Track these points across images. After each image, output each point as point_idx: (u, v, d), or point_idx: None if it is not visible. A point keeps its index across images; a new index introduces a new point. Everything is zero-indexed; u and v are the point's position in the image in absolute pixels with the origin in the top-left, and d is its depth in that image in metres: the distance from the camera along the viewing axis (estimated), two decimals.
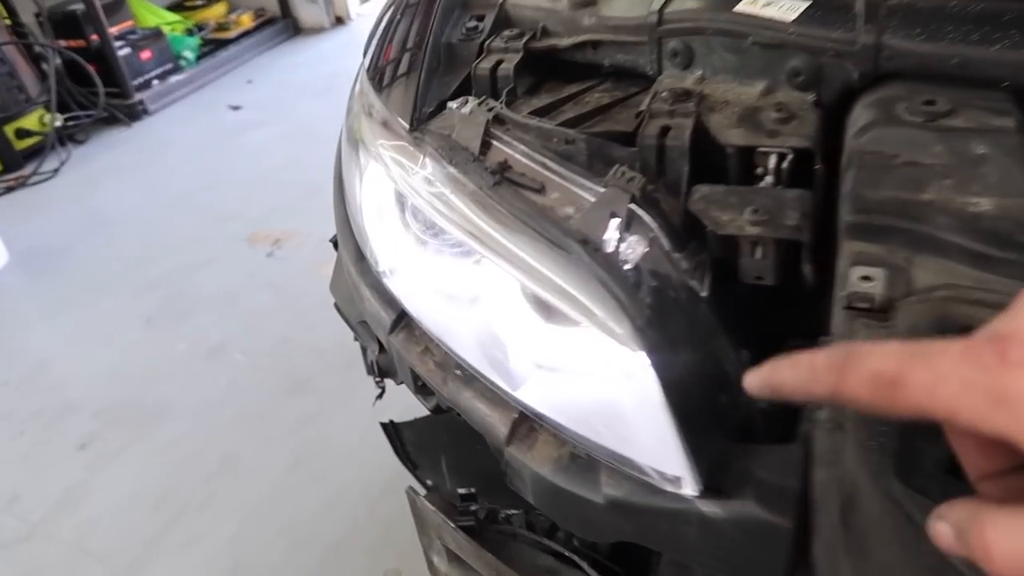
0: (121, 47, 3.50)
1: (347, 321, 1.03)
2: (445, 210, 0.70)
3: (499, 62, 0.81)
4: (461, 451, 1.21)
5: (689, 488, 0.56)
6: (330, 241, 1.15)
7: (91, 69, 3.39)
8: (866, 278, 0.50)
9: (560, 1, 0.84)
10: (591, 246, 0.60)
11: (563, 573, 0.79)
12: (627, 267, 0.59)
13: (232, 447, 1.73)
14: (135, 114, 3.55)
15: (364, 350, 1.18)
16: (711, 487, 0.56)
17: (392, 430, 1.23)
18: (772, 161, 0.62)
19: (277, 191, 2.80)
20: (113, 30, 3.48)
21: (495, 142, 0.72)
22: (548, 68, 0.83)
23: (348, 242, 0.95)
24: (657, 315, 0.57)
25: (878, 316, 0.49)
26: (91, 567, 1.51)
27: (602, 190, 0.63)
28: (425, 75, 0.81)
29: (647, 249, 0.60)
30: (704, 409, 0.58)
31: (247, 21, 4.26)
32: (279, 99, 3.62)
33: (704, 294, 0.59)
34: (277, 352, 2.01)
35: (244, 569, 1.45)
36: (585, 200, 0.64)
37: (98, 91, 3.41)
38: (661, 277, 0.59)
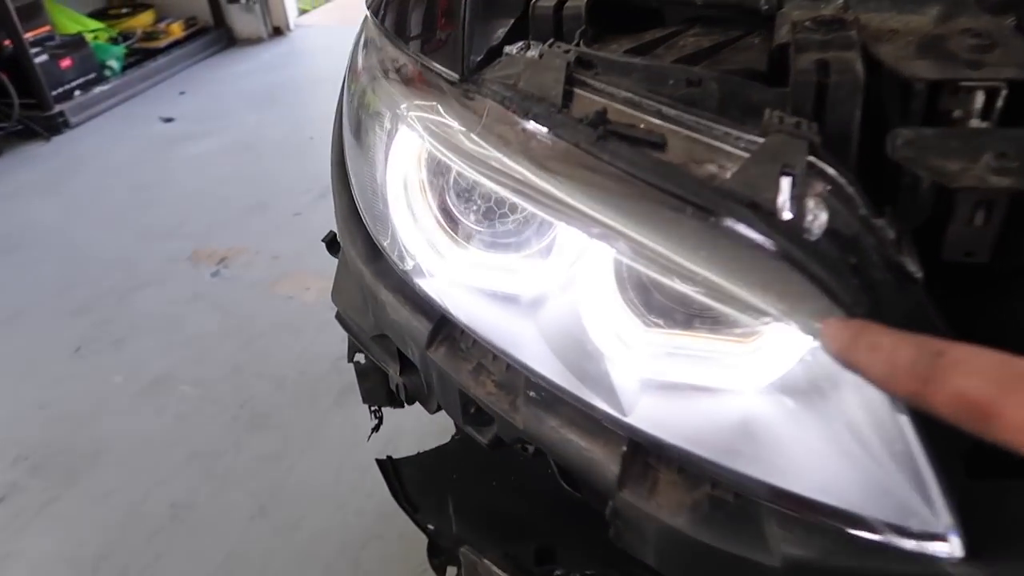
0: (38, 54, 3.19)
1: (355, 336, 0.84)
2: (522, 177, 0.52)
3: (562, 1, 0.64)
4: (475, 489, 1.03)
5: (947, 548, 0.39)
6: (323, 241, 0.96)
7: (2, 77, 3.08)
8: None
9: None
10: (763, 211, 0.43)
11: None
12: (812, 239, 0.43)
13: (183, 495, 1.49)
14: (54, 127, 3.24)
15: (361, 374, 0.98)
16: (978, 546, 0.39)
17: (390, 468, 1.03)
18: (979, 99, 0.47)
19: (220, 206, 2.56)
20: (28, 35, 3.18)
21: (580, 90, 0.55)
22: (616, 12, 0.67)
23: (357, 239, 0.76)
24: (873, 304, 0.41)
25: None
26: None
27: (760, 139, 0.46)
28: (470, 14, 0.63)
29: (836, 215, 0.44)
30: (944, 433, 0.41)
31: (177, 31, 3.99)
32: (216, 110, 3.37)
33: (919, 275, 0.43)
34: (230, 382, 1.78)
35: None
36: (731, 155, 0.47)
37: (12, 102, 3.10)
38: (862, 253, 0.43)
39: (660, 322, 0.56)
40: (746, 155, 0.46)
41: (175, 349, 1.90)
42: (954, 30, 0.51)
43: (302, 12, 4.61)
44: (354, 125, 0.77)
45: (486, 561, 0.71)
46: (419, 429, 1.53)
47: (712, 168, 0.47)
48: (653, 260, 0.46)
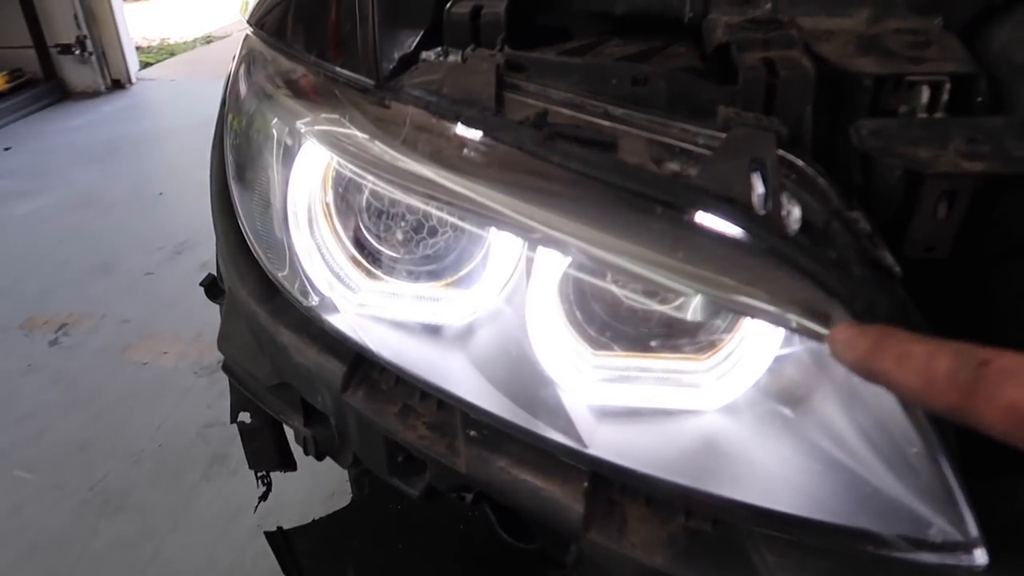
0: None
1: (247, 388, 0.73)
2: (458, 190, 0.47)
3: (477, 8, 0.60)
4: (377, 555, 0.94)
5: (973, 557, 0.36)
6: (201, 285, 0.85)
7: None
8: None
9: None
10: (740, 206, 0.40)
11: None
12: (791, 234, 0.40)
13: None
14: None
15: (247, 435, 0.87)
16: (998, 551, 0.36)
17: (281, 540, 0.92)
18: (924, 93, 0.47)
19: (56, 269, 2.31)
20: None
21: (513, 94, 0.50)
22: (531, 23, 0.63)
23: (247, 277, 0.67)
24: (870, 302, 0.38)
25: None
26: None
27: (721, 135, 0.43)
28: (379, 17, 0.57)
29: (809, 208, 0.41)
30: (950, 434, 0.38)
31: None
32: (48, 167, 3.08)
33: (897, 270, 0.41)
34: (76, 463, 1.56)
35: None
36: (691, 153, 0.44)
37: None
38: (839, 248, 0.40)
39: (611, 343, 0.52)
40: (707, 152, 0.43)
41: (4, 431, 1.65)
42: (887, 30, 0.51)
43: (144, 65, 4.37)
44: (240, 158, 0.68)
45: None
46: (301, 498, 1.40)
47: (673, 166, 0.44)
48: (620, 268, 0.42)
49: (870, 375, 0.32)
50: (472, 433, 0.52)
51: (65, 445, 1.61)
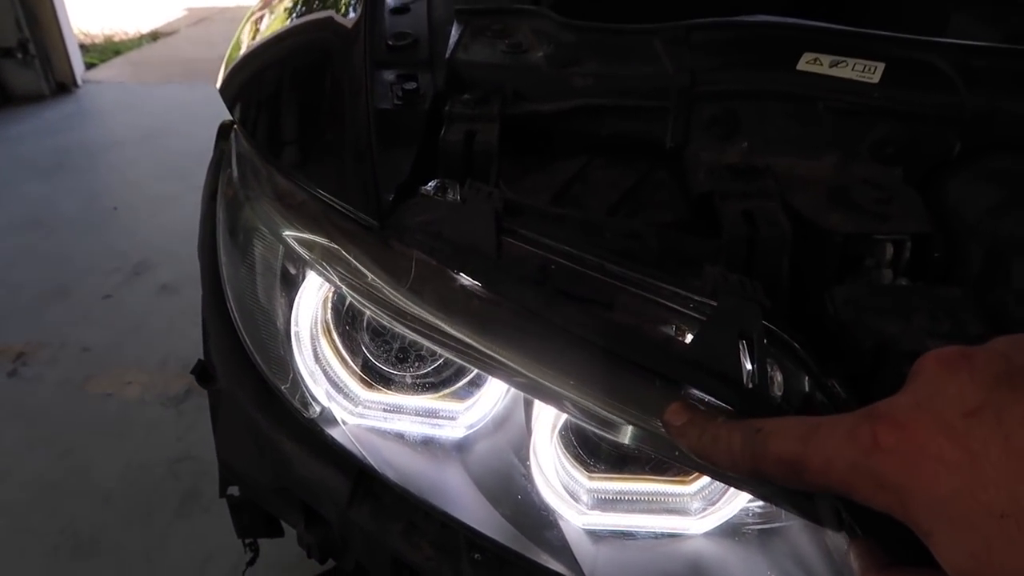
0: None
1: (246, 488, 0.75)
2: (467, 341, 0.50)
3: (471, 133, 0.62)
4: None
5: None
6: (192, 373, 0.85)
7: None
8: None
9: (523, 57, 0.68)
10: (731, 381, 0.44)
11: None
12: (776, 403, 0.44)
13: None
14: None
15: (236, 508, 0.89)
16: None
17: None
18: (888, 250, 0.51)
19: (9, 295, 2.25)
20: None
21: (512, 239, 0.54)
22: (516, 140, 0.67)
23: (245, 382, 0.69)
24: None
25: None
26: None
27: (710, 301, 0.47)
28: (380, 153, 0.60)
29: (791, 376, 0.45)
30: None
31: None
32: None
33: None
34: (43, 505, 1.55)
35: None
36: (683, 315, 0.48)
37: None
38: (817, 413, 0.45)
39: (603, 468, 0.56)
40: (698, 316, 0.47)
41: None
42: (854, 179, 0.55)
43: (89, 66, 4.24)
44: (236, 270, 0.70)
45: None
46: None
47: (667, 330, 0.48)
48: (614, 424, 0.46)
49: (700, 458, 0.38)
50: (476, 556, 0.55)
51: (31, 486, 1.60)
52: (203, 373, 0.87)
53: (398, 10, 0.81)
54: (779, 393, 0.45)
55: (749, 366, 0.44)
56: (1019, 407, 0.27)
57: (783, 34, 0.61)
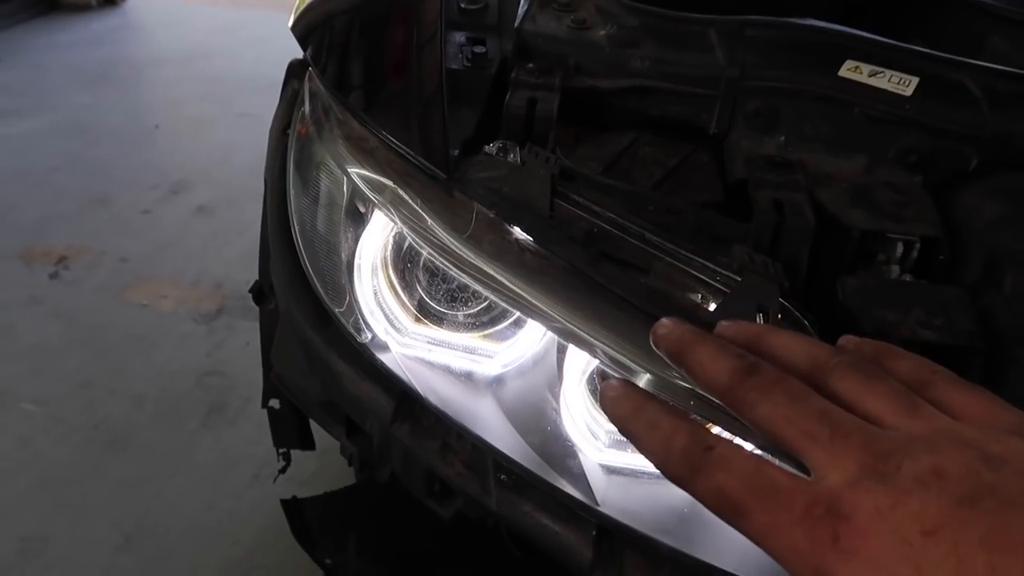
0: None
1: (296, 399, 0.83)
2: (517, 290, 0.57)
3: (532, 100, 0.68)
4: (381, 527, 1.06)
5: None
6: (250, 292, 0.93)
7: None
8: None
9: (587, 33, 0.74)
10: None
11: None
12: None
13: (34, 527, 1.38)
14: None
15: (275, 419, 0.98)
16: None
17: (294, 507, 1.04)
18: (899, 248, 0.58)
19: (52, 198, 2.34)
20: None
21: (564, 203, 0.60)
22: (574, 110, 0.72)
23: (303, 303, 0.76)
24: None
25: None
26: None
27: (735, 276, 0.54)
28: (449, 110, 0.66)
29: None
30: None
31: None
32: (39, 85, 3.06)
33: None
34: (79, 400, 1.65)
35: None
36: (711, 287, 0.54)
37: None
38: None
39: None
40: (724, 289, 0.54)
41: (11, 361, 1.73)
42: (878, 182, 0.61)
43: None
44: (304, 199, 0.77)
45: None
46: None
47: (695, 297, 0.54)
48: (640, 378, 0.53)
49: (625, 435, 0.37)
50: (503, 477, 0.63)
51: (68, 381, 1.70)
52: (259, 293, 0.95)
53: None
54: None
55: None
56: (977, 530, 0.26)
57: (830, 40, 0.66)
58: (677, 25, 0.73)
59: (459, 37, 0.77)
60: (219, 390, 1.70)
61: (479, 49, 0.74)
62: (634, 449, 0.62)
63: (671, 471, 0.34)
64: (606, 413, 0.39)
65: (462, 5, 0.80)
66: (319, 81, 0.80)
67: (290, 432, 0.99)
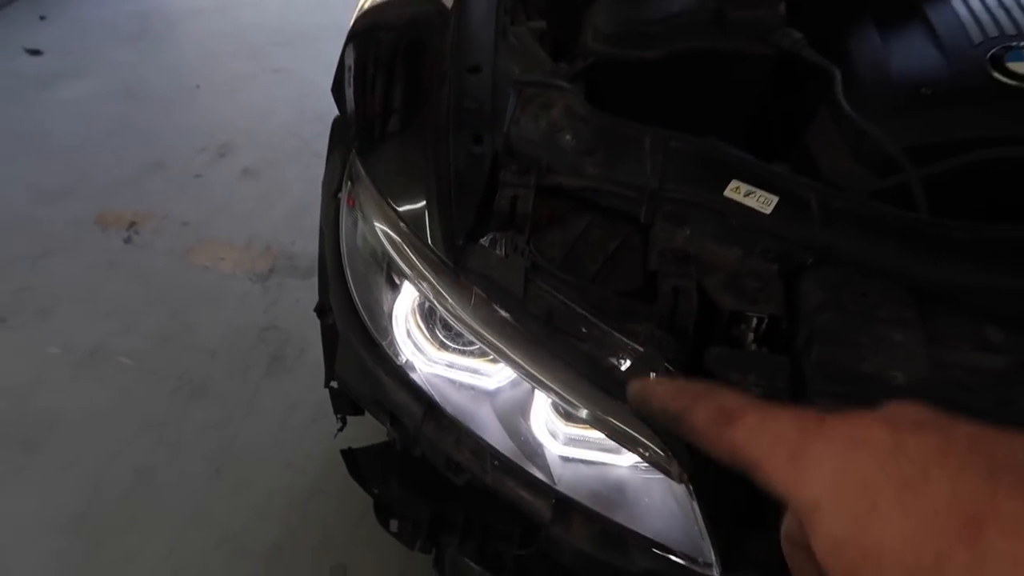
0: None
1: (351, 394, 1.16)
2: (502, 349, 0.87)
3: (514, 198, 0.97)
4: (412, 471, 1.40)
5: (714, 571, 0.81)
6: (315, 311, 1.24)
7: None
8: None
9: (556, 136, 1.01)
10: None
11: None
12: None
13: (142, 461, 1.76)
14: None
15: (335, 395, 1.31)
16: (728, 568, 0.81)
17: (349, 454, 1.38)
18: (754, 323, 0.87)
19: (113, 163, 2.63)
20: None
21: (535, 283, 0.89)
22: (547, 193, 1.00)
23: (357, 330, 1.07)
24: (697, 453, 0.81)
25: None
26: None
27: (640, 349, 0.84)
28: (456, 211, 0.95)
29: None
30: (723, 514, 0.83)
31: None
32: (85, 43, 3.29)
33: None
34: (163, 354, 2.01)
35: None
36: (625, 352, 0.84)
37: None
38: None
39: (573, 421, 0.95)
40: (633, 356, 0.84)
41: (104, 320, 2.08)
42: (747, 269, 0.89)
43: None
44: (355, 263, 1.06)
45: (463, 559, 1.09)
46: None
47: (613, 361, 0.84)
48: (578, 411, 0.84)
49: (645, 405, 0.44)
50: (496, 462, 0.95)
51: (152, 338, 2.05)
52: (322, 311, 1.26)
53: (473, 69, 1.12)
54: None
55: None
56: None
57: (722, 158, 0.93)
58: (623, 131, 0.99)
59: (463, 133, 1.04)
60: (277, 343, 2.05)
61: (476, 150, 1.02)
62: (582, 447, 0.94)
63: (677, 403, 0.40)
64: (642, 407, 0.46)
65: (465, 104, 1.07)
66: (362, 168, 1.08)
67: (345, 404, 1.33)
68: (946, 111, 1.03)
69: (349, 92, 1.20)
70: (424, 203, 1.00)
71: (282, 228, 2.38)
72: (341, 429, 1.42)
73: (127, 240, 2.34)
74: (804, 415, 0.33)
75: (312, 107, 2.82)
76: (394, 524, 1.40)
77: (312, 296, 1.23)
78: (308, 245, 2.30)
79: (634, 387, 0.46)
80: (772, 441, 0.33)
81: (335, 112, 1.22)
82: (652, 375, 0.81)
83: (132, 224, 2.39)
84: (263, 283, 2.22)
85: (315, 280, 1.22)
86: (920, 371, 0.79)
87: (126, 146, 2.71)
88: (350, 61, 1.20)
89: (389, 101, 1.18)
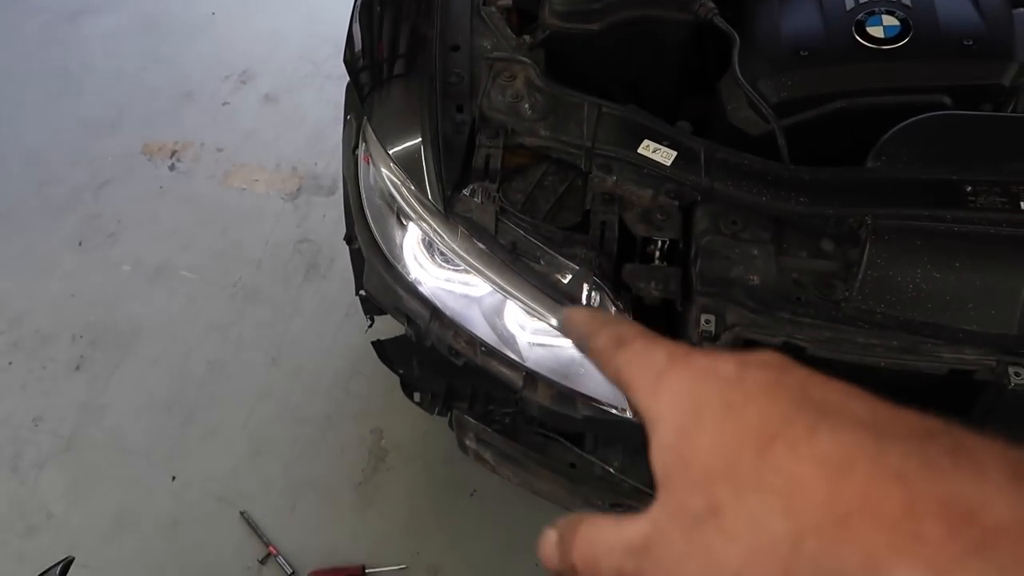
0: None
1: (381, 305, 1.54)
2: (479, 266, 1.24)
3: (488, 156, 1.31)
4: (429, 354, 1.80)
5: (629, 414, 1.21)
6: (344, 240, 1.61)
7: None
8: (707, 320, 1.13)
9: (518, 105, 1.33)
10: (577, 302, 1.18)
11: (550, 445, 1.45)
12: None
13: (213, 355, 2.18)
14: None
15: (363, 300, 1.70)
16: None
17: (380, 345, 1.79)
18: (660, 245, 1.23)
19: (150, 96, 2.94)
20: None
21: (504, 221, 1.25)
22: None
23: (379, 257, 1.44)
24: None
25: (712, 340, 1.13)
26: (136, 462, 1.98)
27: (576, 268, 1.20)
28: (444, 166, 1.29)
29: (602, 299, 1.20)
30: None
31: None
32: None
33: (630, 317, 1.20)
34: (218, 266, 2.39)
35: (265, 447, 2.00)
36: (566, 271, 1.21)
37: None
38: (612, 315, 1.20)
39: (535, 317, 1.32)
40: (571, 273, 1.20)
41: (164, 239, 2.46)
42: (656, 205, 1.24)
43: None
44: (375, 211, 1.42)
45: (464, 416, 1.50)
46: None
47: (558, 276, 1.21)
48: (534, 311, 1.21)
49: (573, 333, 0.44)
50: (483, 348, 1.34)
51: (206, 253, 2.43)
52: (350, 239, 1.62)
53: (454, 48, 1.43)
54: (597, 303, 1.19)
55: (586, 295, 1.18)
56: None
57: (639, 122, 1.26)
58: (568, 99, 1.32)
59: (448, 104, 1.37)
60: (311, 253, 2.42)
61: (459, 118, 1.35)
62: (545, 332, 1.32)
63: (599, 340, 0.40)
64: (570, 336, 0.45)
65: (449, 79, 1.39)
66: (373, 136, 1.41)
67: (372, 308, 1.72)
68: (816, 70, 1.34)
69: (356, 28, 1.51)
70: (422, 160, 1.34)
71: (305, 150, 2.71)
72: (371, 326, 1.81)
73: (172, 168, 2.68)
74: (678, 348, 0.35)
75: (319, 32, 3.07)
76: (417, 396, 1.82)
77: (337, 212, 1.60)
78: (329, 165, 2.63)
79: (562, 314, 0.48)
80: (644, 366, 0.35)
81: (342, 35, 1.49)
82: (584, 286, 1.19)
83: (174, 152, 2.73)
84: (293, 201, 2.57)
85: (338, 197, 1.53)
86: (770, 274, 1.15)
87: (156, 78, 3.00)
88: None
89: (394, 44, 1.51)
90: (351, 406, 2.07)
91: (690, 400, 0.32)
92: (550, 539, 0.36)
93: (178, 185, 2.63)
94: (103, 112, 2.87)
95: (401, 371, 1.84)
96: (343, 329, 2.23)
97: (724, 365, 0.32)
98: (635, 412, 0.35)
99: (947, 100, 1.28)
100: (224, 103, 2.91)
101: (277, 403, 2.08)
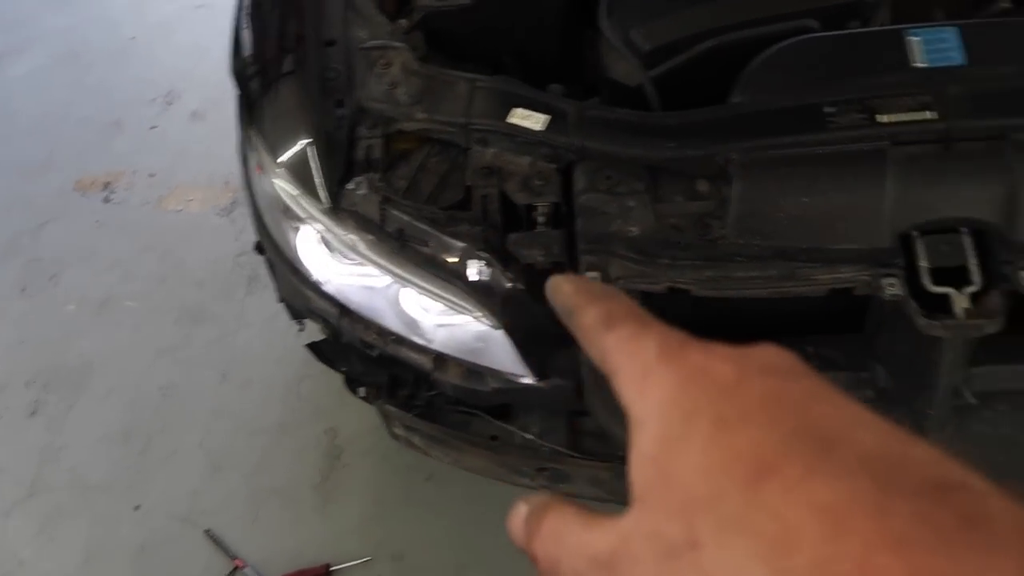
0: None
1: (296, 311, 1.55)
2: (372, 257, 1.25)
3: (369, 147, 1.31)
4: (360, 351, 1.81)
5: (532, 380, 1.22)
6: (254, 249, 1.61)
7: None
8: (593, 277, 1.14)
9: (393, 92, 1.33)
10: (466, 279, 1.19)
11: (472, 421, 1.45)
12: (483, 284, 1.19)
13: (164, 379, 2.19)
14: None
15: (288, 307, 1.70)
16: (542, 377, 1.22)
17: (316, 346, 1.80)
18: (541, 209, 1.23)
19: (77, 130, 2.92)
20: None
21: (389, 210, 1.25)
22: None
23: (283, 264, 1.44)
24: (505, 308, 1.19)
25: None
26: (99, 497, 1.99)
27: (462, 245, 1.20)
28: (327, 161, 1.29)
29: (491, 272, 1.20)
30: (536, 345, 1.22)
31: None
32: (17, 15, 3.46)
33: (522, 288, 1.21)
34: (160, 292, 2.39)
35: (223, 462, 2.01)
36: (453, 252, 1.21)
37: None
38: (500, 288, 1.20)
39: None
40: (458, 255, 1.20)
41: (105, 273, 2.46)
42: (534, 171, 1.24)
43: None
44: (264, 201, 1.42)
45: (386, 405, 1.51)
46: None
47: (448, 258, 1.21)
48: (427, 292, 1.22)
49: (558, 300, 0.39)
50: (392, 338, 1.35)
51: (149, 280, 2.43)
52: (260, 249, 1.62)
53: (329, 43, 1.42)
54: (487, 277, 1.20)
55: (474, 268, 1.19)
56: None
57: (511, 91, 1.26)
58: (443, 78, 1.31)
59: (328, 100, 1.36)
60: (250, 266, 2.41)
61: (339, 112, 1.34)
62: (450, 314, 1.33)
63: (581, 317, 0.37)
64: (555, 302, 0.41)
65: (327, 75, 1.38)
66: (262, 147, 1.41)
67: (297, 313, 1.72)
68: (683, 13, 1.33)
69: (245, 34, 1.50)
70: (309, 161, 1.34)
71: (236, 162, 2.67)
72: (301, 330, 1.81)
73: (106, 200, 2.67)
74: (671, 336, 0.32)
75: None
76: (361, 391, 1.83)
77: None
78: None
79: (549, 282, 0.43)
80: (633, 354, 0.32)
81: None
82: (474, 260, 1.19)
83: (107, 184, 2.72)
84: (229, 215, 2.56)
85: None
86: (648, 223, 1.16)
87: (83, 111, 2.98)
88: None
89: (277, 48, 1.50)
90: (303, 410, 2.08)
91: (678, 407, 0.29)
92: (520, 513, 0.33)
93: (114, 217, 2.63)
94: (34, 153, 2.85)
95: (344, 368, 1.84)
96: (289, 336, 2.22)
97: (721, 367, 0.29)
98: (619, 400, 0.33)
99: (814, 24, 1.28)
100: (152, 127, 2.90)
101: (231, 418, 2.09)
